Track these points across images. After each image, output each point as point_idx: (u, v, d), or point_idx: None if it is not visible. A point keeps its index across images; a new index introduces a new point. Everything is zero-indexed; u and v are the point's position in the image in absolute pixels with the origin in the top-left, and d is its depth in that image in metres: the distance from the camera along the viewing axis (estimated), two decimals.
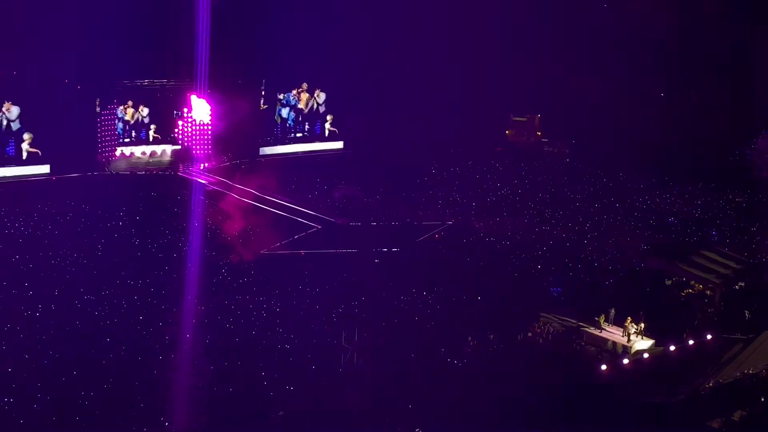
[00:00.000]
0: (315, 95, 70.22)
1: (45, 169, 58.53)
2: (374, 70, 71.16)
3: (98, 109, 60.97)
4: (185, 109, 64.91)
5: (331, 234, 52.36)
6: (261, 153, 67.79)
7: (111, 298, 39.41)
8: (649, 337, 39.43)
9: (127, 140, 64.60)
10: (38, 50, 57.11)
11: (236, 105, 63.78)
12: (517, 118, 76.67)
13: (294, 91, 69.25)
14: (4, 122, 57.58)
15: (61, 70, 58.87)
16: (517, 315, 40.90)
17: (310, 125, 70.40)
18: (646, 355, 38.27)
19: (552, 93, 73.97)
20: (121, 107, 63.97)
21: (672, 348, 38.44)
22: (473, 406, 31.87)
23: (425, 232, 52.40)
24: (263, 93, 67.53)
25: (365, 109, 70.00)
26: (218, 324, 37.56)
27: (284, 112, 69.04)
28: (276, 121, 68.72)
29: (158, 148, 65.52)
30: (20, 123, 57.91)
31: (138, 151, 64.97)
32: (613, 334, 39.72)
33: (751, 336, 39.78)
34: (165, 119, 65.51)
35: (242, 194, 57.67)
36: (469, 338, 37.38)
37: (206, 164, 64.48)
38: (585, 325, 40.33)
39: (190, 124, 65.06)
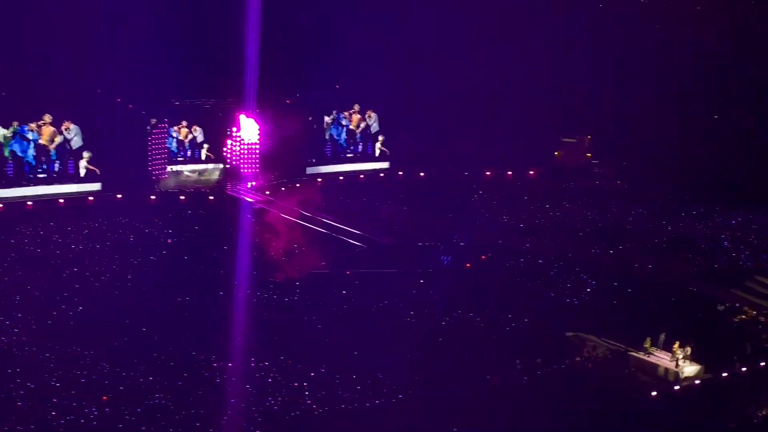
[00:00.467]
0: (366, 116, 70.65)
1: (97, 186, 59.37)
2: (423, 91, 71.11)
3: (150, 126, 61.72)
4: (234, 129, 65.48)
5: (376, 253, 52.24)
6: (308, 172, 68.25)
7: (159, 315, 39.74)
8: (698, 362, 38.54)
9: (180, 159, 65.44)
10: (93, 70, 58.05)
11: (284, 124, 64.15)
12: (567, 139, 76.03)
13: (345, 113, 69.83)
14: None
15: (113, 89, 59.74)
16: (565, 338, 40.34)
17: (362, 146, 71.06)
18: (697, 382, 37.39)
19: (602, 114, 73.25)
20: (175, 127, 64.82)
21: (724, 375, 37.50)
22: None
23: (472, 253, 51.99)
24: (311, 118, 68.27)
25: (414, 130, 70.01)
26: (264, 341, 37.54)
27: (335, 132, 69.74)
28: (326, 141, 69.28)
29: (207, 167, 66.16)
30: (80, 141, 58.82)
31: (187, 169, 65.66)
32: (660, 359, 38.90)
33: None
34: (215, 138, 66.11)
35: (289, 213, 57.82)
36: (517, 362, 36.89)
37: (254, 183, 64.91)
38: (632, 349, 39.61)
39: (238, 143, 65.59)
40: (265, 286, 44.88)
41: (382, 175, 70.62)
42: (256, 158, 65.82)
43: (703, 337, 39.72)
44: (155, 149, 62.68)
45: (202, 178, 65.59)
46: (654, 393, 35.93)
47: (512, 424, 31.69)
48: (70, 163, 58.64)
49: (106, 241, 50.15)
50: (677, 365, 38.03)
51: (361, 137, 70.98)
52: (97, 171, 58.95)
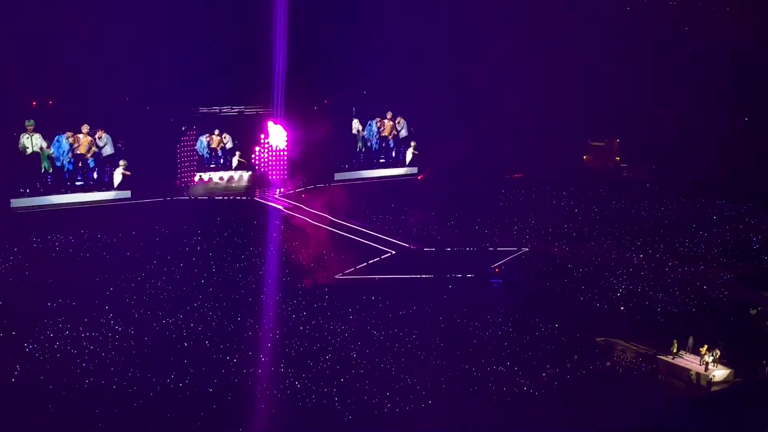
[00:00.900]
0: (396, 122, 70.95)
1: (127, 194, 59.99)
2: (452, 97, 71.17)
3: (185, 128, 62.24)
4: (262, 135, 65.80)
5: (405, 259, 52.20)
6: (336, 178, 68.52)
7: (188, 321, 39.94)
8: (727, 366, 38.12)
9: (212, 166, 65.89)
10: (122, 79, 58.59)
11: (313, 131, 64.41)
12: (595, 143, 75.72)
13: (377, 119, 70.12)
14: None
15: (143, 97, 60.27)
16: (595, 343, 40.10)
17: (395, 152, 71.84)
18: (725, 385, 36.98)
19: (631, 117, 72.79)
20: (207, 135, 65.24)
21: (756, 378, 37.06)
22: None
23: (501, 258, 51.80)
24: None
25: (442, 135, 70.03)
26: (293, 348, 37.62)
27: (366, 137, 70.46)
28: (358, 148, 69.78)
29: (235, 174, 66.55)
30: (111, 149, 59.62)
31: (216, 176, 66.07)
32: (689, 362, 38.55)
33: None
34: (243, 146, 66.48)
35: (317, 219, 57.99)
36: (547, 366, 36.67)
37: (282, 189, 65.18)
38: (660, 353, 39.25)
39: (266, 150, 65.89)
40: (293, 292, 44.96)
41: (420, 177, 71.07)
42: (284, 164, 66.12)
43: (735, 340, 39.32)
44: (184, 156, 63.18)
45: (232, 185, 65.94)
46: (684, 397, 35.65)
47: (543, 429, 31.55)
48: (106, 170, 59.49)
49: (135, 247, 50.54)
50: (707, 369, 37.69)
51: (394, 143, 71.42)
52: (129, 173, 59.80)
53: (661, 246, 53.55)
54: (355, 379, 34.72)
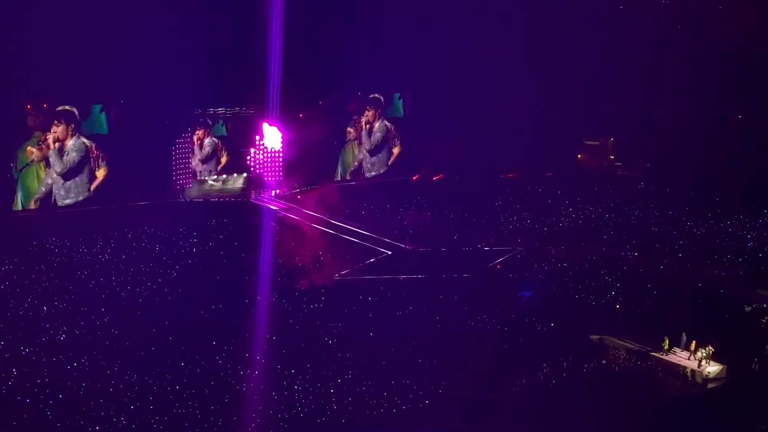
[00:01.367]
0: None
1: None
2: (443, 96, 71.24)
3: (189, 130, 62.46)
4: (257, 137, 65.86)
5: (401, 260, 52.26)
6: (333, 179, 68.80)
7: (183, 323, 39.97)
8: (719, 362, 38.26)
9: (205, 167, 65.90)
10: (119, 80, 58.66)
11: (308, 132, 64.55)
12: (590, 142, 75.85)
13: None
14: None
15: (137, 99, 60.29)
16: (590, 341, 40.21)
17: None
18: (719, 383, 37.22)
19: (626, 116, 72.93)
20: (199, 136, 65.23)
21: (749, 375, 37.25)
22: None
23: (496, 258, 51.91)
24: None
25: (436, 136, 70.14)
26: (288, 349, 37.68)
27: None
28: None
29: (230, 176, 66.58)
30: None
31: (211, 178, 66.11)
32: (682, 359, 38.73)
33: None
34: (239, 147, 66.51)
35: (312, 220, 58.06)
36: (544, 365, 36.80)
37: (278, 191, 65.25)
38: (652, 350, 39.40)
39: (262, 152, 65.96)
40: (289, 294, 45.02)
41: (415, 178, 71.69)
42: (279, 166, 66.20)
43: (730, 337, 39.48)
44: (179, 158, 63.19)
45: (227, 186, 65.98)
46: (679, 393, 35.84)
47: (540, 428, 31.68)
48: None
49: (130, 250, 50.57)
50: (700, 365, 37.88)
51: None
52: None
53: (656, 244, 53.68)
54: (351, 381, 34.77)
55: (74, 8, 54.97)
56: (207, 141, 65.34)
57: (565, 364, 36.99)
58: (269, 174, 66.15)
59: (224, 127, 65.65)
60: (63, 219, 56.52)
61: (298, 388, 33.95)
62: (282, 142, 65.86)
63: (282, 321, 41.02)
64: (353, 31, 64.54)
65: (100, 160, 59.42)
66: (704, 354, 38.06)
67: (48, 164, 57.52)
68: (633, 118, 73.38)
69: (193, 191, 64.13)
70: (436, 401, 33.60)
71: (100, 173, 59.59)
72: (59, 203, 58.34)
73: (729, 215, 59.58)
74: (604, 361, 37.99)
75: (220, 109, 65.74)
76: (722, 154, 69.09)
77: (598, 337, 40.88)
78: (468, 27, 69.19)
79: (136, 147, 59.87)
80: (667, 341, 39.27)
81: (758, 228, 56.88)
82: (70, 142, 58.10)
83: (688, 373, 37.90)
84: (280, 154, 66.07)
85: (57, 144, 57.69)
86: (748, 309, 43.76)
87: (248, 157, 66.40)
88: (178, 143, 63.06)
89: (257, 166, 66.24)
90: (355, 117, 70.48)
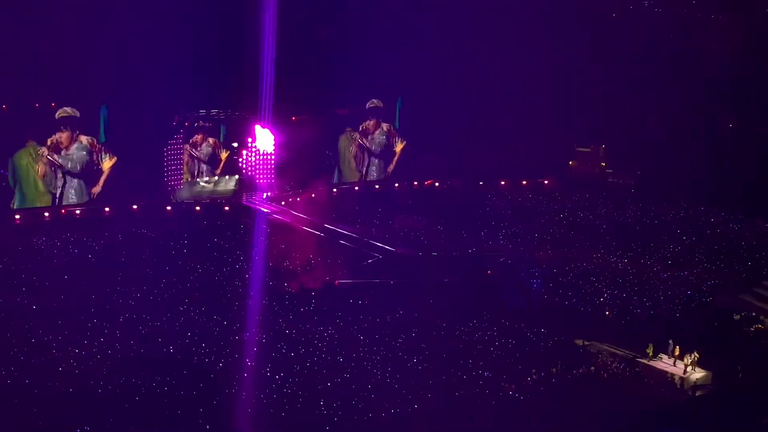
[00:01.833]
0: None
1: None
2: (436, 102, 71.30)
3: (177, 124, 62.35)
4: (249, 139, 65.78)
5: (391, 263, 52.28)
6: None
7: (174, 326, 39.93)
8: (705, 368, 38.44)
9: (197, 169, 65.73)
10: (115, 85, 58.58)
11: (300, 135, 64.53)
12: (581, 149, 76.03)
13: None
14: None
15: (130, 102, 60.14)
16: (579, 348, 40.29)
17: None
18: (705, 388, 37.39)
19: (617, 123, 73.15)
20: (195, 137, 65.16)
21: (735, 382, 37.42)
22: None
23: (487, 263, 51.97)
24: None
25: (430, 141, 70.22)
26: (279, 352, 37.65)
27: None
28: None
29: (222, 177, 66.40)
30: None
31: (203, 180, 65.95)
32: (668, 365, 38.89)
33: None
34: (231, 149, 66.37)
35: (304, 223, 58.03)
36: (533, 371, 36.83)
37: (269, 193, 65.18)
38: (639, 356, 39.55)
39: (253, 154, 65.87)
40: (280, 296, 44.99)
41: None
42: (271, 168, 66.13)
43: (717, 344, 39.64)
44: (171, 160, 63.02)
45: (218, 188, 65.83)
46: (665, 399, 35.96)
47: None
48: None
49: (122, 252, 50.48)
50: (685, 371, 38.00)
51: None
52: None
53: (646, 251, 53.84)
54: (342, 383, 34.74)
55: (68, 13, 55.04)
56: (204, 143, 65.15)
57: (554, 370, 37.05)
58: (261, 176, 66.06)
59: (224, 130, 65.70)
60: (53, 220, 56.33)
61: (287, 391, 33.89)
62: (274, 145, 65.78)
63: (272, 323, 40.96)
64: (346, 35, 64.71)
65: (102, 153, 59.28)
66: (689, 360, 38.22)
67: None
68: (624, 125, 73.56)
69: (184, 192, 63.94)
70: (424, 405, 33.58)
71: (107, 164, 59.51)
72: (65, 202, 58.65)
73: (720, 222, 59.82)
74: (593, 368, 38.07)
75: (213, 112, 65.56)
76: (713, 161, 69.38)
77: (583, 342, 40.94)
78: (459, 35, 69.25)
79: (127, 149, 59.59)
80: (652, 347, 39.39)
81: (748, 236, 57.11)
82: (74, 146, 58.39)
83: (677, 380, 38.01)
84: (272, 157, 65.98)
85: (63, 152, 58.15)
86: (737, 317, 43.95)
87: (240, 160, 66.29)
88: (170, 145, 62.85)
89: (249, 169, 66.14)
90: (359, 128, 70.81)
